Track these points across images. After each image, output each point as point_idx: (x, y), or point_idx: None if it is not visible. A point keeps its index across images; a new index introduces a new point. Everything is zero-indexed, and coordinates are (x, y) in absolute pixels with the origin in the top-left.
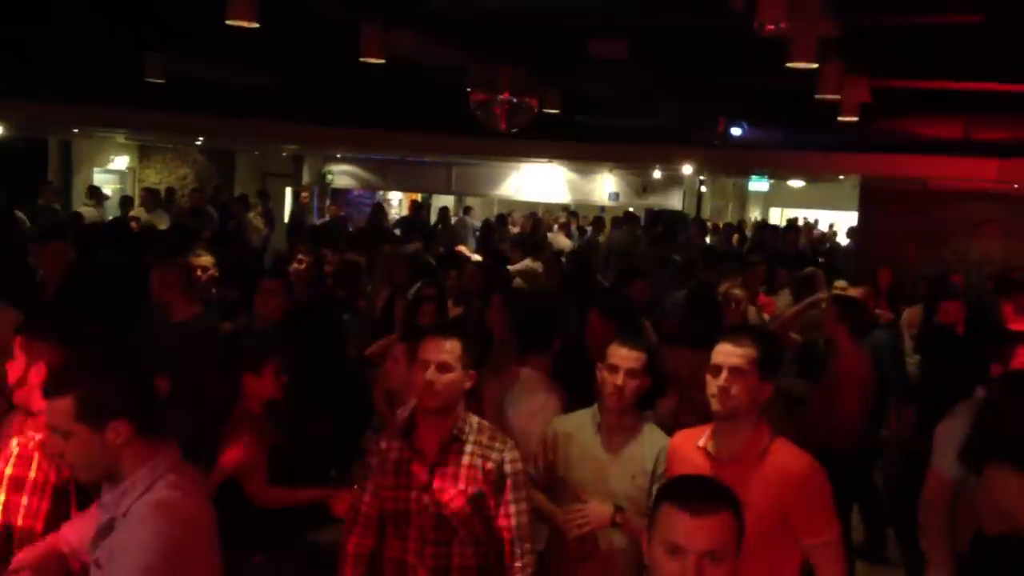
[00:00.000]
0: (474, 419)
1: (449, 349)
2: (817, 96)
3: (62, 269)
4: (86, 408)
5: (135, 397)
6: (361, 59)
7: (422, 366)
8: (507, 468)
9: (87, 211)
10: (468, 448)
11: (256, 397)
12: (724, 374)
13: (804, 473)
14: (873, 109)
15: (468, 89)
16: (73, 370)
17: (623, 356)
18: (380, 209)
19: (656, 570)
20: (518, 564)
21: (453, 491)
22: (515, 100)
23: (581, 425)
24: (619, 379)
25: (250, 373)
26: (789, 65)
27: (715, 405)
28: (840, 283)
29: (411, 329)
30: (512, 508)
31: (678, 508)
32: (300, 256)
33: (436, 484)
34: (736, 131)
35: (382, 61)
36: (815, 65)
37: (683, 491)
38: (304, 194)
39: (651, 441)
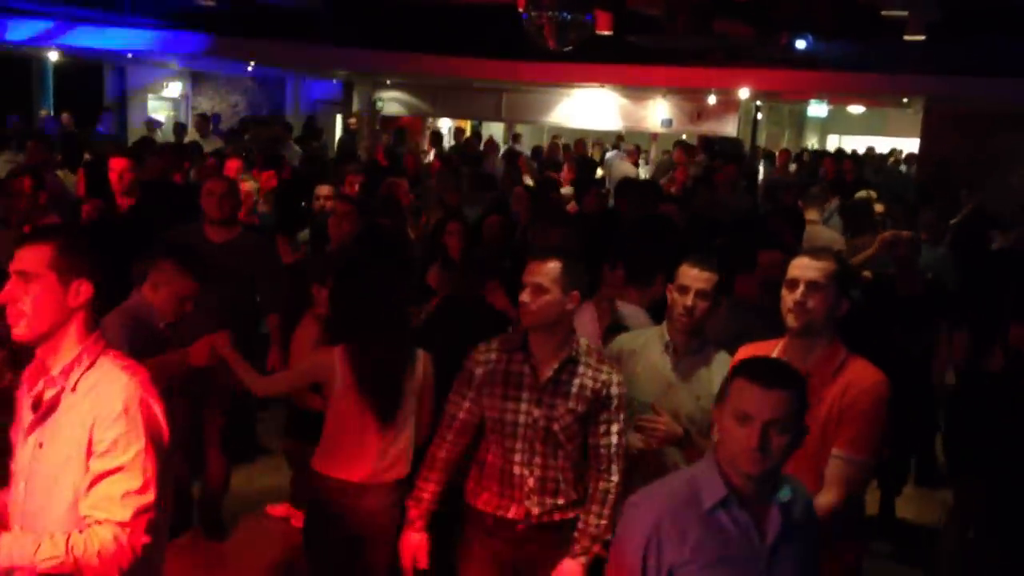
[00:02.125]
0: (583, 340)
1: (546, 272)
2: (883, 13)
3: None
4: (61, 257)
5: (102, 270)
6: None
7: (521, 289)
8: (613, 390)
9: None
10: (580, 369)
11: (323, 303)
12: (801, 288)
13: (867, 385)
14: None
15: (520, 8)
16: (57, 227)
17: (694, 276)
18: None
19: (725, 437)
20: (615, 479)
21: (563, 408)
22: (567, 16)
23: (648, 343)
24: (689, 299)
25: (317, 284)
26: None
27: (790, 320)
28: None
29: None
30: (614, 427)
31: (750, 381)
32: (350, 178)
33: (547, 399)
34: (801, 43)
35: None
36: None
37: (756, 367)
38: (352, 120)
39: (719, 364)
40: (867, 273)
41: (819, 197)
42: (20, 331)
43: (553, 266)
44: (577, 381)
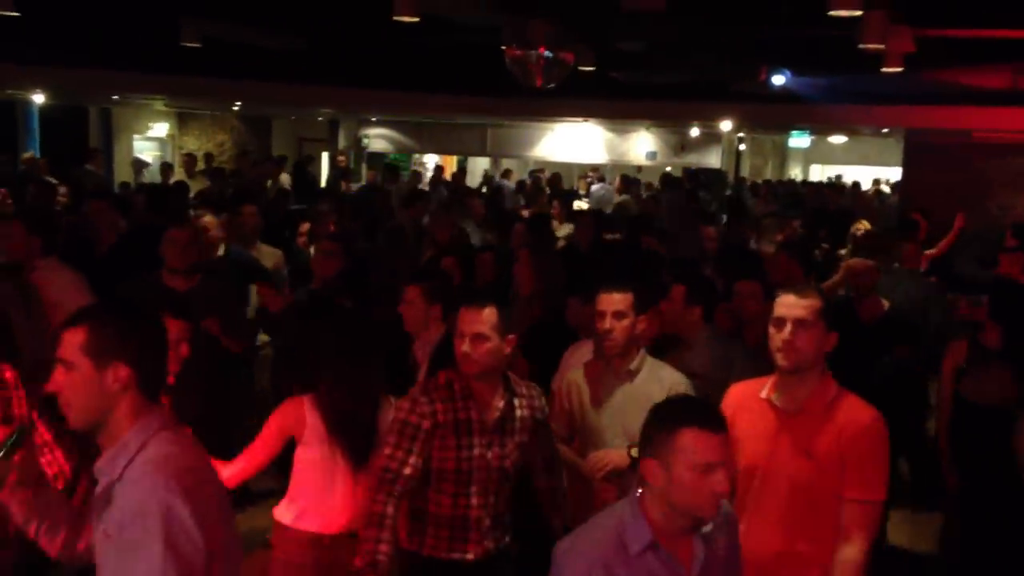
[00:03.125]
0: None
1: (484, 319)
2: (860, 46)
3: (111, 229)
4: (93, 341)
5: (141, 349)
6: (395, 18)
7: (459, 337)
8: (543, 408)
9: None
10: (516, 401)
11: None
12: (788, 326)
13: (864, 424)
14: (917, 59)
15: (503, 46)
16: (92, 308)
17: (608, 300)
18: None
19: (677, 488)
20: (559, 490)
21: (511, 444)
22: (550, 55)
23: (589, 374)
24: (606, 323)
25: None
26: (831, 13)
27: (780, 360)
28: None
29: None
30: (550, 438)
31: (705, 430)
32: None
33: (497, 440)
34: (778, 79)
35: (416, 20)
36: (858, 12)
37: (701, 415)
38: (341, 157)
39: (657, 377)
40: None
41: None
42: (70, 422)
43: (489, 312)
44: (518, 414)
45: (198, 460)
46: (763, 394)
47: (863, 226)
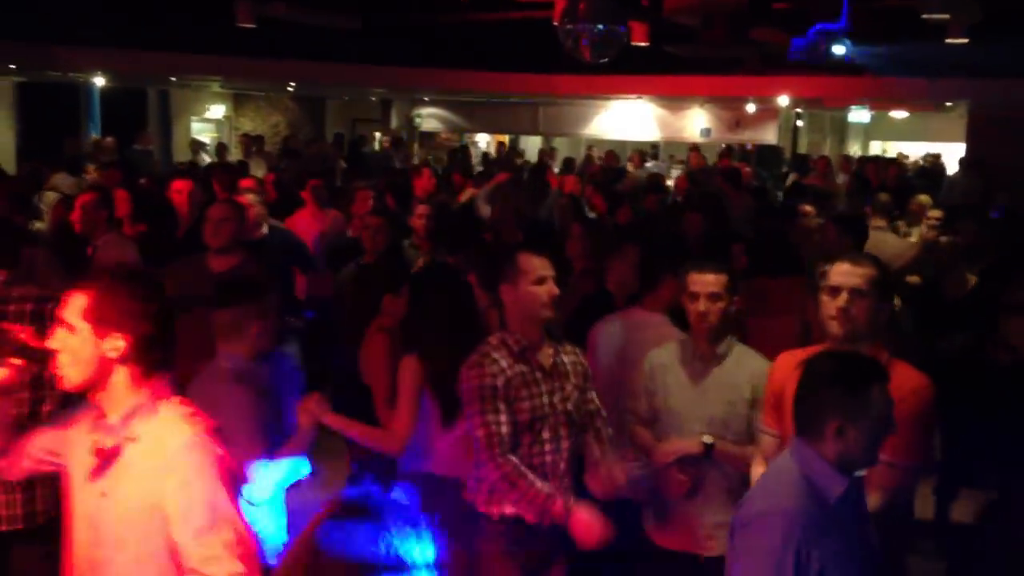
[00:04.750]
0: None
1: (717, 281)
2: (924, 16)
3: (190, 208)
4: (96, 309)
5: (143, 321)
6: None
7: (548, 281)
8: (583, 357)
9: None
10: (562, 348)
11: (393, 314)
12: (844, 295)
13: (911, 387)
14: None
15: (555, 22)
16: (101, 277)
17: (703, 282)
18: (460, 152)
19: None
20: (608, 433)
21: (570, 387)
22: (602, 29)
23: (676, 354)
24: (701, 305)
25: (389, 293)
26: None
27: (834, 328)
28: (934, 212)
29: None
30: (594, 395)
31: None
32: (361, 194)
33: (559, 385)
34: (838, 49)
35: None
36: None
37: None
38: (385, 138)
39: (744, 364)
40: (914, 278)
41: (887, 204)
42: (63, 380)
43: (543, 261)
44: (567, 359)
45: (210, 421)
46: None
47: (924, 200)
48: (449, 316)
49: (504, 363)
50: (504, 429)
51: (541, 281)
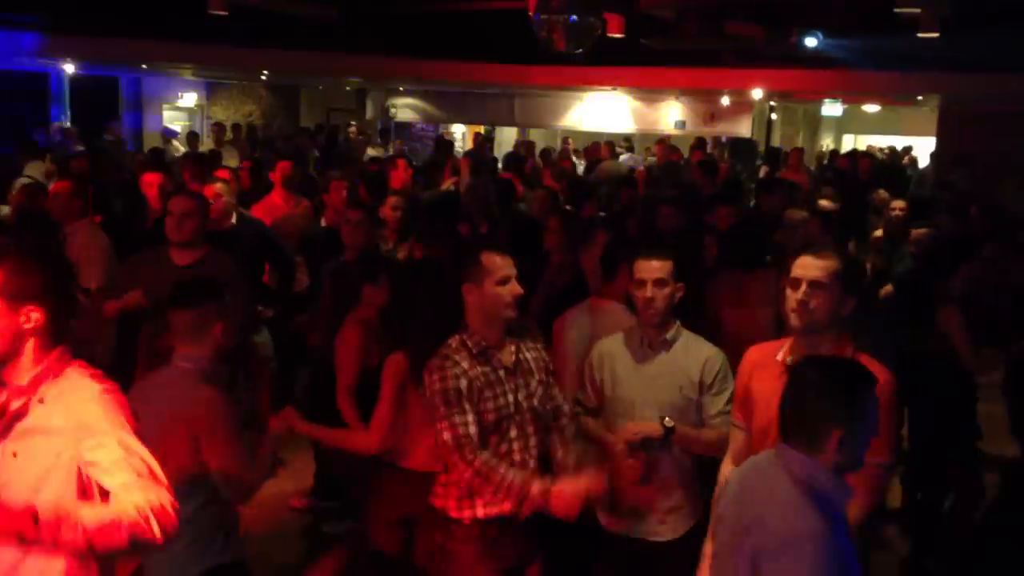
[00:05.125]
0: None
1: (662, 267)
2: (896, 9)
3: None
4: (9, 282)
5: (55, 295)
6: None
7: (510, 281)
8: (545, 352)
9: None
10: (523, 345)
11: (373, 304)
12: (803, 287)
13: (879, 384)
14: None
15: (530, 12)
16: (12, 252)
17: (649, 268)
18: (445, 143)
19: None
20: (572, 431)
21: (534, 383)
22: (576, 19)
23: (623, 342)
24: (647, 291)
25: (369, 283)
26: None
27: (793, 319)
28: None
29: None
30: (558, 391)
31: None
32: (335, 184)
33: (522, 382)
34: (810, 41)
35: None
36: None
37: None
38: (352, 128)
39: (693, 350)
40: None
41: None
42: None
43: (506, 260)
44: (529, 356)
45: (112, 383)
46: (779, 356)
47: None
48: (436, 312)
49: (465, 364)
50: (472, 429)
51: (504, 281)
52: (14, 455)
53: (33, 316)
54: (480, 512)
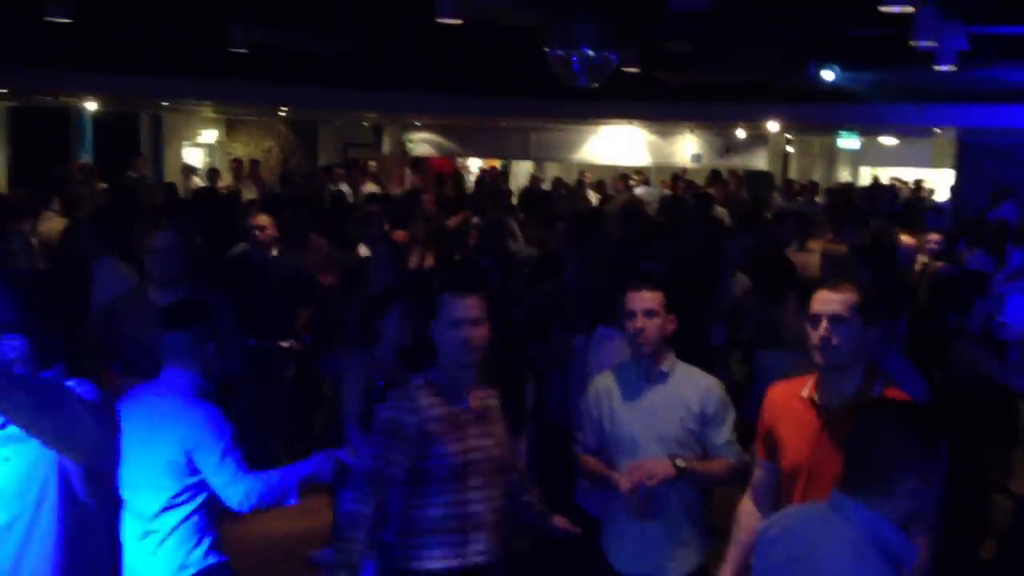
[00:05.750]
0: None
1: (654, 298)
2: (912, 43)
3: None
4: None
5: (38, 323)
6: (438, 21)
7: (470, 323)
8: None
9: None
10: (488, 392)
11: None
12: (824, 323)
13: None
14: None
15: (546, 48)
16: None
17: (639, 299)
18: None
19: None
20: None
21: (498, 431)
22: (593, 54)
23: (618, 378)
24: (637, 322)
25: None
26: (882, 9)
27: (817, 357)
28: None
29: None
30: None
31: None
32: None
33: (486, 428)
34: (827, 75)
35: (459, 23)
36: (910, 9)
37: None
38: (372, 163)
39: (691, 380)
40: None
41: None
42: None
43: (468, 303)
44: (492, 403)
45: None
46: (804, 393)
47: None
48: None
49: (424, 401)
50: (391, 470)
51: (457, 324)
52: (6, 460)
53: (16, 345)
54: (435, 565)
